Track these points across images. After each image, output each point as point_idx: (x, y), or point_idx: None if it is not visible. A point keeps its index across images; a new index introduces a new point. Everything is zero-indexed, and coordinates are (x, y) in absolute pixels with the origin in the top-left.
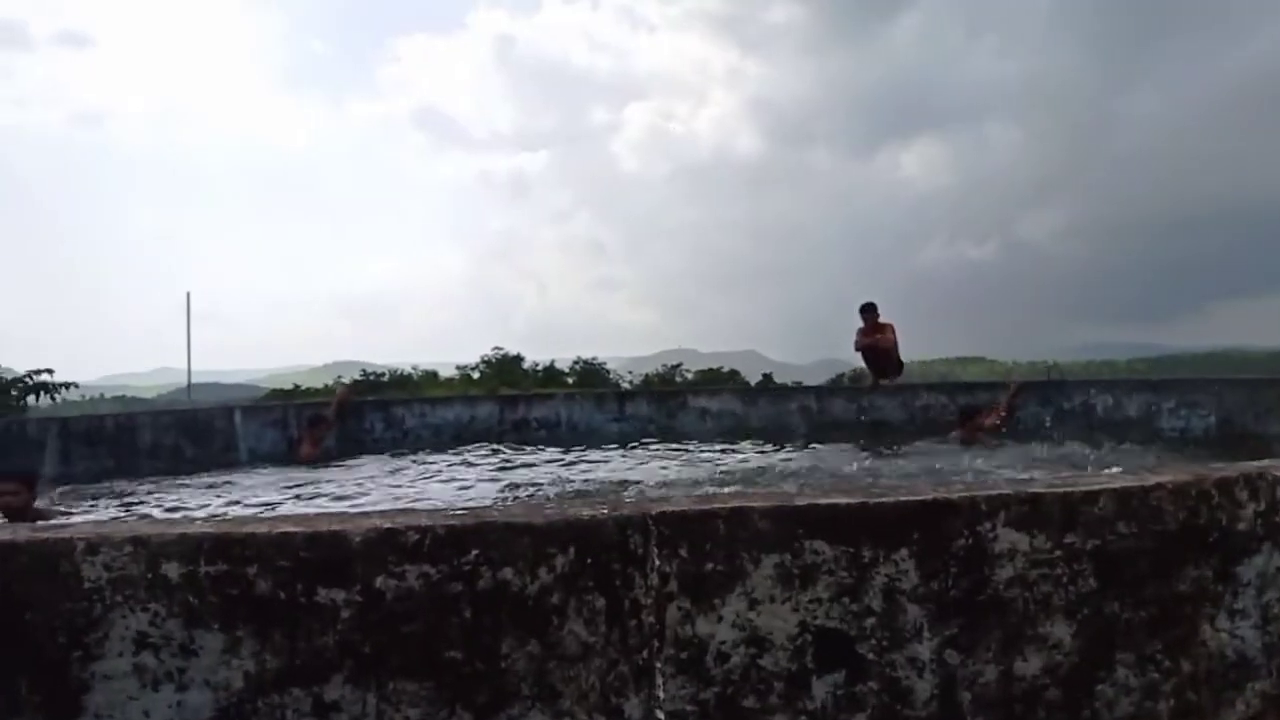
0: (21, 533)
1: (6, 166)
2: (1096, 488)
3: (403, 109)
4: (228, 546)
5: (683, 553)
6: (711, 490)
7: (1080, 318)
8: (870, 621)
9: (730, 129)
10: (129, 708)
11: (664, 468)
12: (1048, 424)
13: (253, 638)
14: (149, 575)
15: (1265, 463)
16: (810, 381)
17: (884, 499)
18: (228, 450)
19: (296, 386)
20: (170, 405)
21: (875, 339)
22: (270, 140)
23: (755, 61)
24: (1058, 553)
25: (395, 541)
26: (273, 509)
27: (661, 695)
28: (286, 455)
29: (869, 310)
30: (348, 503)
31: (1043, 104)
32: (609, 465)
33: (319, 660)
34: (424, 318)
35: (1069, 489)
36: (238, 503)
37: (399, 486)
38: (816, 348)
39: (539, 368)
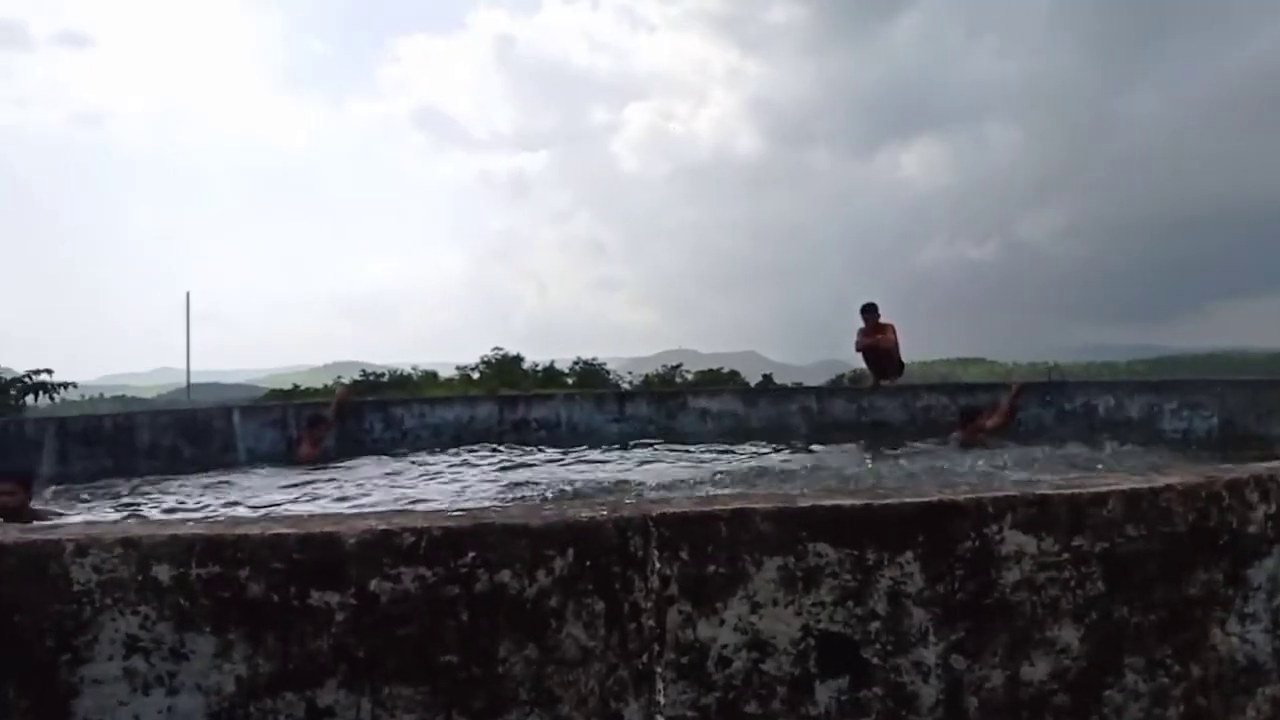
0: (10, 534)
1: (7, 167)
2: (1105, 489)
3: (403, 109)
4: (220, 548)
5: (684, 555)
6: (712, 491)
7: (1080, 318)
8: (875, 625)
9: (730, 129)
10: (119, 712)
11: (664, 468)
12: (1049, 425)
13: (245, 641)
14: (139, 577)
15: (1276, 464)
16: (810, 382)
17: (888, 500)
18: (226, 451)
19: (296, 387)
20: (170, 405)
21: (876, 339)
22: (270, 140)
23: (755, 61)
24: (1065, 555)
25: (390, 543)
26: (270, 509)
27: (662, 700)
28: (285, 456)
29: (870, 310)
30: (346, 503)
31: (1043, 104)
32: (609, 466)
33: (312, 664)
34: (424, 318)
35: (1077, 490)
36: (237, 503)
37: (397, 487)
38: (816, 348)
39: (539, 368)
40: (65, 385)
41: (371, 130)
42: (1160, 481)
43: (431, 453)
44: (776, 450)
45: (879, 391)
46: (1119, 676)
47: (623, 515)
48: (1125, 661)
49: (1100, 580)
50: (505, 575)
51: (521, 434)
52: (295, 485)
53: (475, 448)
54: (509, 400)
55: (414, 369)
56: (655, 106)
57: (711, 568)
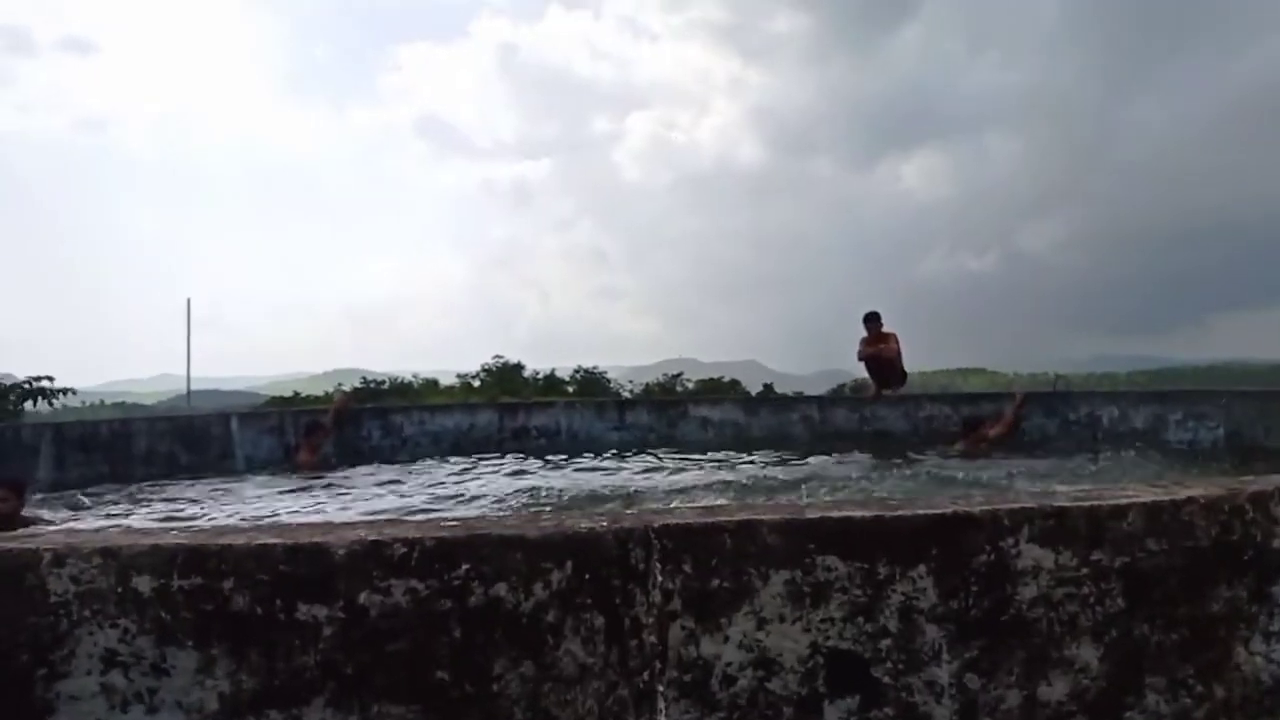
0: None
1: (10, 172)
2: (1125, 501)
3: (405, 117)
4: (203, 559)
5: (687, 568)
6: (715, 501)
7: (1080, 329)
8: (886, 643)
9: (732, 138)
10: None
11: (665, 477)
12: (1053, 435)
13: (228, 657)
14: (119, 589)
15: None
16: (811, 391)
17: (900, 512)
18: (224, 457)
19: (296, 394)
20: (170, 412)
21: (878, 348)
22: (272, 147)
23: (758, 71)
24: (1084, 570)
25: (381, 555)
26: (263, 517)
27: None
28: (283, 462)
29: (872, 319)
30: (340, 511)
31: (1043, 116)
32: (609, 474)
33: (298, 681)
34: (425, 326)
35: (1096, 503)
36: (236, 511)
37: (392, 495)
38: (817, 358)
39: (540, 376)
40: (65, 391)
41: (374, 137)
42: (1182, 494)
43: (430, 460)
44: (779, 460)
45: (881, 401)
46: (1140, 697)
47: (623, 526)
48: (1146, 681)
49: (1120, 596)
50: (501, 588)
51: (521, 442)
52: (291, 492)
53: (474, 455)
54: (509, 408)
55: (415, 376)
56: (657, 115)
57: (716, 581)
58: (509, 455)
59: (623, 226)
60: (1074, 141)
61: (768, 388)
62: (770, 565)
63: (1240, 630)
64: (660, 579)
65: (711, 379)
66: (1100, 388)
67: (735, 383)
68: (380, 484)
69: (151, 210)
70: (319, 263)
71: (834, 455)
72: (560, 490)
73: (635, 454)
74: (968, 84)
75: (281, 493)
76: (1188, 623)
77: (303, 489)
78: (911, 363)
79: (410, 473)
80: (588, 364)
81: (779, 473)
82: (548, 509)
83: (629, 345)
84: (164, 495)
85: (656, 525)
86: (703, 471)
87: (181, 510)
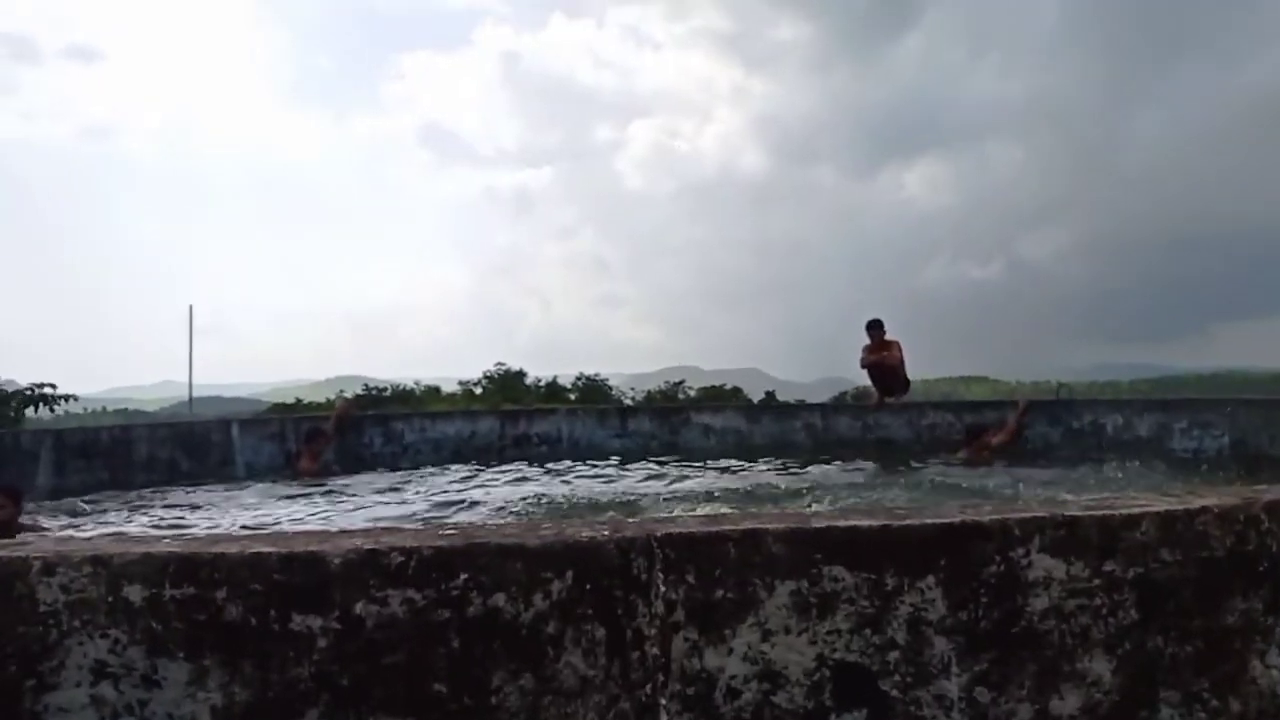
0: None
1: (14, 180)
2: (1138, 511)
3: (407, 125)
4: (195, 568)
5: (690, 578)
6: (718, 509)
7: (1083, 338)
8: (894, 655)
9: (735, 147)
10: None
11: (667, 485)
12: (1057, 443)
13: (221, 668)
14: (109, 598)
15: None
16: (813, 399)
17: (908, 521)
18: (224, 464)
19: (298, 400)
20: (171, 418)
21: (881, 356)
22: (275, 155)
23: (760, 79)
24: (1096, 581)
25: (377, 564)
26: (262, 525)
27: None
28: (284, 469)
29: (875, 327)
30: (338, 519)
31: (1046, 124)
32: (610, 482)
33: (292, 693)
34: (427, 333)
35: (1108, 512)
36: (235, 518)
37: (393, 503)
38: (820, 366)
39: (541, 383)
40: (67, 398)
41: (376, 145)
42: (1196, 503)
43: (431, 468)
44: (782, 467)
45: (884, 409)
46: (1154, 711)
47: (625, 535)
48: (1160, 695)
49: (1133, 608)
50: (500, 599)
51: (523, 449)
52: (292, 499)
53: (475, 463)
54: (510, 415)
55: (417, 384)
56: (660, 124)
57: (720, 592)
58: (510, 462)
59: (625, 234)
60: (1076, 150)
61: (770, 395)
62: (775, 575)
63: (1256, 643)
64: (663, 589)
65: (713, 386)
66: (1103, 396)
67: (737, 390)
68: (381, 491)
69: (155, 218)
70: (321, 270)
71: (837, 463)
72: (561, 498)
73: (636, 461)
74: (970, 92)
75: (282, 499)
76: (1202, 635)
77: (303, 496)
78: (914, 370)
79: (411, 480)
80: (589, 371)
81: (782, 481)
82: (548, 516)
83: (631, 353)
84: (164, 502)
85: (659, 534)
86: (705, 479)
87: (181, 517)
